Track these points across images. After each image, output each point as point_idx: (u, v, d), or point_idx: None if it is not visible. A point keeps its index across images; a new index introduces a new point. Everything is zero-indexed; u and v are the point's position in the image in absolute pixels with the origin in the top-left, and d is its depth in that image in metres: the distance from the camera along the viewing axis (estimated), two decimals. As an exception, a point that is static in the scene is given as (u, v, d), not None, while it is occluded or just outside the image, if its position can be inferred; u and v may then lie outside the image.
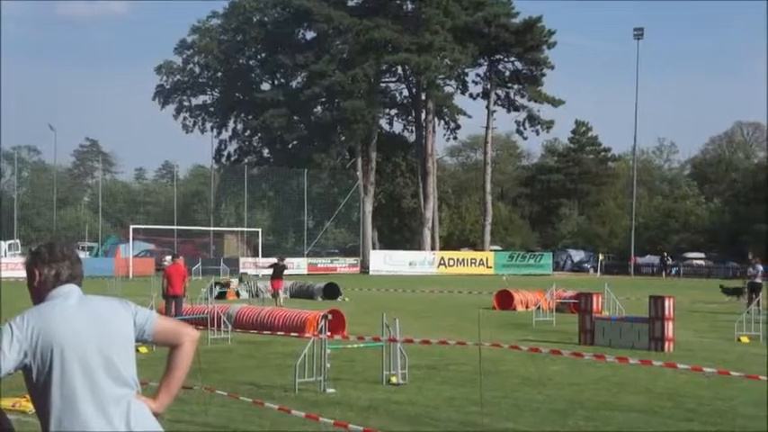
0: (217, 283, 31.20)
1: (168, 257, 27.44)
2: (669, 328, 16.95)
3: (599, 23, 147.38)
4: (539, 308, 23.78)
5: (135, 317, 3.79)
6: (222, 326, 18.22)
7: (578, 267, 68.11)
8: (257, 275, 43.47)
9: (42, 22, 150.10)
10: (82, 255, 57.26)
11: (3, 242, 54.00)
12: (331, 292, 32.73)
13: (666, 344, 16.81)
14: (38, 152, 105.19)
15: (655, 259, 64.91)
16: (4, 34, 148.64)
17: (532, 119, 71.75)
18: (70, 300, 3.71)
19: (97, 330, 3.64)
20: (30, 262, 3.80)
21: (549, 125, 72.27)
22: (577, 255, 71.01)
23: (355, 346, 14.47)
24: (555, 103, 70.30)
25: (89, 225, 70.25)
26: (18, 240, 58.37)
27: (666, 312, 16.90)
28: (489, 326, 21.19)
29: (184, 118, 76.11)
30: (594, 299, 18.78)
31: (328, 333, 12.33)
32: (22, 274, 4.04)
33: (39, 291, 3.77)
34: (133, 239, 53.17)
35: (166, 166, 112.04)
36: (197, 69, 76.09)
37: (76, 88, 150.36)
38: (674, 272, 59.03)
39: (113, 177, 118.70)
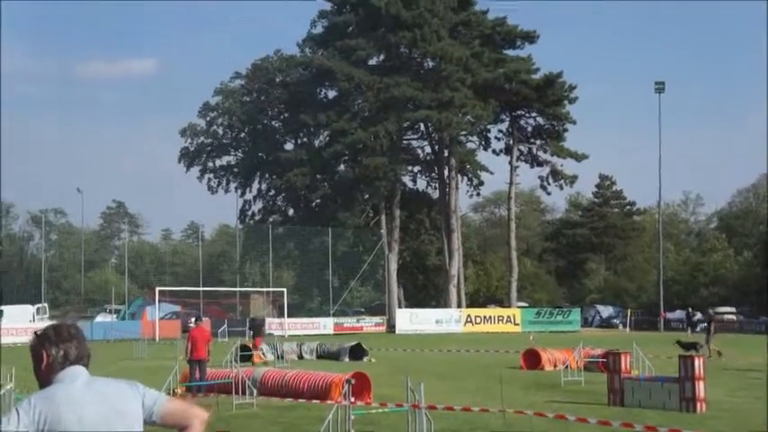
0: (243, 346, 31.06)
1: (194, 319, 27.41)
2: (700, 388, 16.59)
3: (620, 77, 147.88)
4: (567, 367, 23.41)
5: (143, 398, 3.74)
6: (247, 390, 18.04)
7: (607, 323, 67.31)
8: (283, 336, 43.36)
9: (68, 84, 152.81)
10: (109, 318, 57.67)
11: (30, 306, 54.12)
12: (357, 352, 32.47)
13: (698, 404, 16.44)
14: (65, 215, 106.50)
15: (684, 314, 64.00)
16: (31, 96, 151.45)
17: (556, 174, 71.69)
18: (77, 382, 3.64)
19: (104, 413, 3.60)
20: (36, 344, 3.74)
21: (572, 180, 72.16)
22: (606, 310, 70.25)
23: (379, 411, 14.26)
24: (578, 157, 70.30)
25: (116, 287, 70.48)
26: (46, 304, 58.50)
27: (696, 372, 16.56)
28: (517, 386, 20.87)
29: (209, 179, 76.86)
30: (623, 358, 18.45)
31: (352, 399, 12.16)
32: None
33: (46, 373, 3.71)
34: (159, 301, 53.22)
35: (192, 227, 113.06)
36: (221, 131, 77.00)
37: (103, 150, 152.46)
38: (699, 328, 58.05)
39: (140, 238, 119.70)
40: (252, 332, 31.36)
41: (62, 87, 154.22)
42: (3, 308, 53.03)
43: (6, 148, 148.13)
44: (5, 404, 12.96)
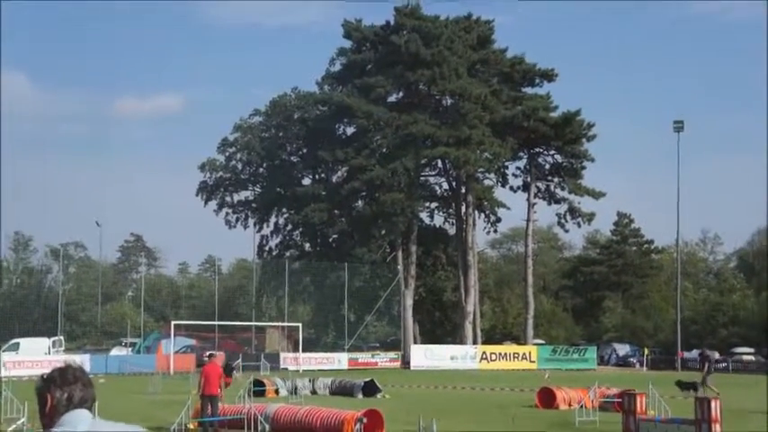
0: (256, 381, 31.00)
1: (208, 354, 27.43)
2: (717, 431, 16.42)
3: (638, 115, 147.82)
4: (582, 407, 23.22)
5: (145, 443, 3.72)
6: (259, 426, 18.00)
7: (623, 362, 66.74)
8: (297, 371, 43.28)
9: (84, 121, 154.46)
10: (124, 351, 57.71)
11: (47, 339, 54.26)
12: (371, 388, 32.36)
13: (714, 447, 16.28)
14: (84, 248, 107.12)
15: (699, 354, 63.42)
16: (60, 133, 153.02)
17: (573, 211, 71.54)
18: (80, 426, 3.64)
19: (106, 458, 3.58)
20: (42, 387, 3.74)
21: (590, 217, 71.98)
22: (622, 349, 69.70)
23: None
24: (596, 195, 70.20)
25: (131, 320, 70.63)
26: (62, 337, 58.59)
27: (713, 414, 16.42)
28: (531, 426, 20.74)
29: (227, 213, 77.15)
30: (638, 399, 18.34)
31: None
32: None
33: (50, 416, 3.71)
34: (175, 335, 53.28)
35: (209, 261, 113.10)
36: (239, 166, 77.41)
37: (123, 185, 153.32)
38: (714, 368, 57.26)
39: (157, 272, 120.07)
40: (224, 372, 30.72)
41: (80, 124, 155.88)
42: (19, 341, 53.25)
43: (26, 183, 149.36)
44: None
